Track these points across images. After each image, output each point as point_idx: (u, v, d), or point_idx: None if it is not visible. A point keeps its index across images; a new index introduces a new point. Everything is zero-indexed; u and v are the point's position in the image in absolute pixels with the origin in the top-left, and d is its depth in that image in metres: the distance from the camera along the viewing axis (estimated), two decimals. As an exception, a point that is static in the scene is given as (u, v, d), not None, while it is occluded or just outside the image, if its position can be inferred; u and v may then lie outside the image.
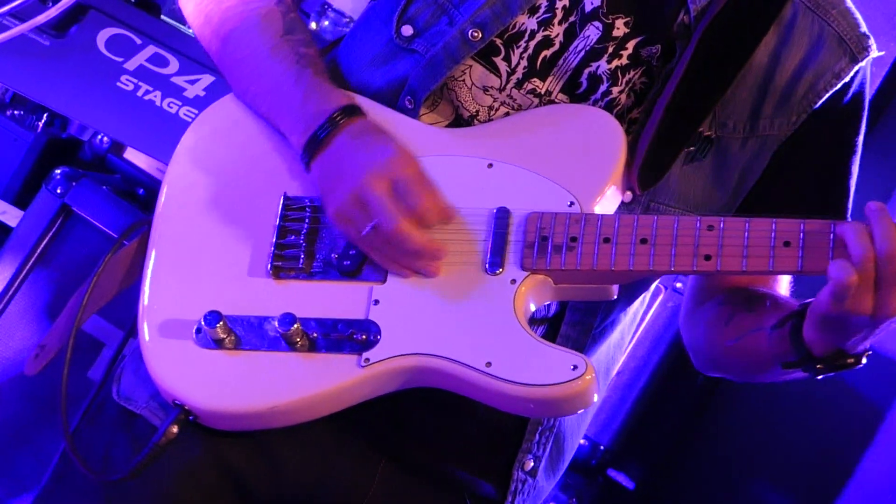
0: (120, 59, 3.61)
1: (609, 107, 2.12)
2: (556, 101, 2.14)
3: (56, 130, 3.81)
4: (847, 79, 2.16)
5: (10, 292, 3.32)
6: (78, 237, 3.35)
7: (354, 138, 2.06)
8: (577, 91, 2.13)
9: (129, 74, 3.60)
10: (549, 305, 2.14)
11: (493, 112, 2.15)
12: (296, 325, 2.00)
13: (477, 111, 2.15)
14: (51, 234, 3.34)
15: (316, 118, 2.08)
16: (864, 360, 1.97)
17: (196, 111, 3.53)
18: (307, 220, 2.10)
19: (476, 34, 2.13)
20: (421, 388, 2.02)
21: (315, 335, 2.02)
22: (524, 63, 2.14)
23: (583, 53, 2.13)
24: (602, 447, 3.99)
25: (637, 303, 2.29)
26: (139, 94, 3.59)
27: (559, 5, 2.13)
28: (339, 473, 2.16)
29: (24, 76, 3.60)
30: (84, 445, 2.14)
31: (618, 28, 2.13)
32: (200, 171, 2.19)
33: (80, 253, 3.33)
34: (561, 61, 2.13)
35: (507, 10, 2.12)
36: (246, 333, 2.04)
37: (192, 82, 3.60)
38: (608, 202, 2.07)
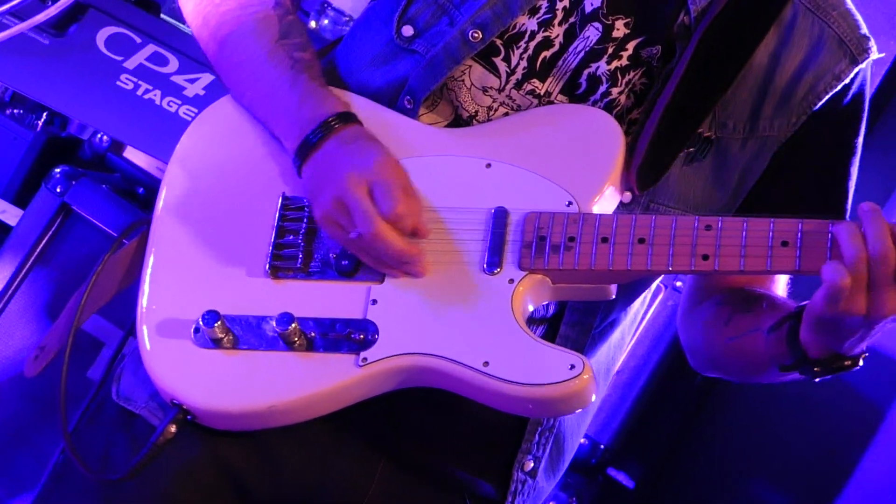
0: (119, 58, 3.61)
1: (608, 108, 2.12)
2: (556, 101, 2.14)
3: (56, 129, 3.81)
4: (847, 80, 2.16)
5: (10, 291, 3.32)
6: (77, 236, 3.35)
7: (344, 144, 2.06)
8: (576, 92, 2.13)
9: (129, 73, 3.60)
10: (547, 305, 2.14)
11: (492, 112, 2.15)
12: (294, 325, 2.00)
13: (476, 111, 2.15)
14: (50, 233, 3.34)
15: (310, 123, 2.09)
16: (860, 363, 1.97)
17: (196, 110, 3.53)
18: (305, 220, 2.10)
19: (476, 35, 2.13)
20: (420, 388, 2.02)
21: (313, 335, 2.02)
22: (524, 64, 2.13)
23: (582, 54, 2.13)
24: (602, 446, 3.99)
25: (637, 302, 2.28)
26: (139, 92, 3.59)
27: (559, 6, 2.13)
28: (339, 473, 2.16)
29: (24, 75, 3.60)
30: (83, 445, 2.14)
31: (618, 29, 2.12)
32: (199, 171, 2.19)
33: (79, 252, 3.33)
34: (560, 62, 2.13)
35: (508, 11, 2.12)
36: (244, 333, 2.04)
37: (192, 81, 3.60)
38: (606, 202, 2.07)
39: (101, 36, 3.61)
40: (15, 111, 3.80)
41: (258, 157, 2.17)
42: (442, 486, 2.21)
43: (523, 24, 2.13)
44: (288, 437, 2.10)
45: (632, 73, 2.13)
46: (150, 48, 3.61)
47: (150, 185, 3.59)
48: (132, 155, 3.66)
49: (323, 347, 2.01)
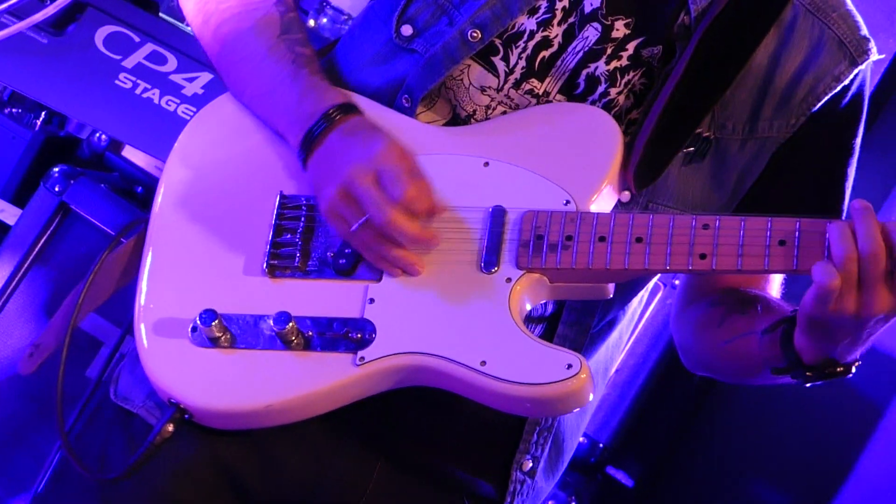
0: (118, 57, 3.61)
1: (607, 108, 2.12)
2: (554, 101, 2.14)
3: (54, 128, 3.81)
4: (846, 82, 2.16)
5: (9, 290, 3.32)
6: (76, 235, 3.35)
7: (347, 135, 2.05)
8: (574, 92, 2.13)
9: (128, 72, 3.60)
10: (545, 305, 2.14)
11: (490, 111, 2.15)
12: (291, 324, 2.00)
13: (474, 111, 2.15)
14: (49, 232, 3.35)
15: (312, 116, 2.08)
16: (853, 371, 1.96)
17: (194, 109, 3.53)
18: (303, 219, 2.10)
19: (475, 35, 2.12)
20: (418, 388, 2.02)
21: (310, 334, 2.02)
22: (522, 63, 2.13)
23: (581, 54, 2.13)
24: (601, 445, 3.99)
25: (635, 301, 2.28)
26: (137, 91, 3.59)
27: (559, 6, 2.13)
28: (336, 473, 2.16)
29: (22, 74, 3.60)
30: (81, 445, 2.14)
31: (617, 29, 2.12)
32: (197, 169, 2.19)
33: (78, 251, 3.33)
34: (559, 62, 2.13)
35: (507, 11, 2.12)
36: (241, 332, 2.04)
37: (191, 80, 3.60)
38: (604, 201, 2.07)
39: (100, 35, 3.61)
40: (13, 110, 3.80)
41: (256, 155, 2.17)
42: (440, 486, 2.21)
43: (522, 24, 2.13)
44: (285, 437, 2.10)
45: (631, 74, 2.12)
46: (149, 47, 3.61)
47: (149, 184, 3.59)
48: (131, 154, 3.66)
49: (320, 346, 2.01)
